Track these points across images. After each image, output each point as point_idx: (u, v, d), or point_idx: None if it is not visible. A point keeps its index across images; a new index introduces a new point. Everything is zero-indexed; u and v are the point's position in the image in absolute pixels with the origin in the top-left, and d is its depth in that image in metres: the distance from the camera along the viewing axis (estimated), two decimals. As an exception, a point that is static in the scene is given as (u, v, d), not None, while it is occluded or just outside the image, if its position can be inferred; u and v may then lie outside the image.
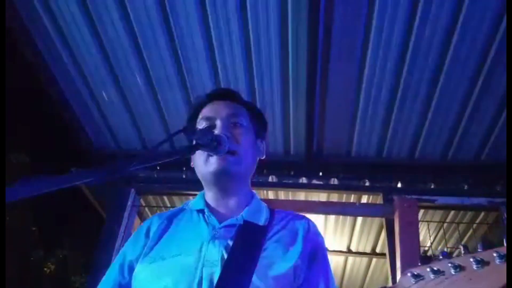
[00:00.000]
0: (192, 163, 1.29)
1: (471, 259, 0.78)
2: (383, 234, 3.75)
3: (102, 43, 3.04)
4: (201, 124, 1.25)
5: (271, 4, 2.72)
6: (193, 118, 1.32)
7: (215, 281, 1.01)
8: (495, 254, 0.76)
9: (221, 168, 1.15)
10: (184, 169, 3.55)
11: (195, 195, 1.31)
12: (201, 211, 1.21)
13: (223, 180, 1.19)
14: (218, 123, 1.22)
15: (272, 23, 2.81)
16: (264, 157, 1.34)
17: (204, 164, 1.18)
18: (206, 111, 1.28)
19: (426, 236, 4.05)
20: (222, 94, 1.36)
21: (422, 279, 0.83)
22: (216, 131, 1.17)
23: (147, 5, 2.79)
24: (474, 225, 3.95)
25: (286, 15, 2.76)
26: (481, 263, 0.77)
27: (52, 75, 3.25)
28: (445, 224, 4.01)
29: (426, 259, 0.84)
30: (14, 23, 2.92)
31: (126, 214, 3.55)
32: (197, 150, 1.09)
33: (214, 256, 1.06)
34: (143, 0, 2.77)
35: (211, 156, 1.15)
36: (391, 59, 2.94)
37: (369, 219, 4.27)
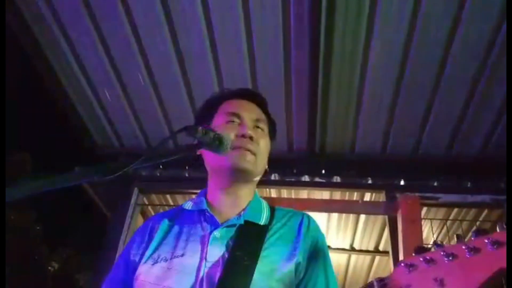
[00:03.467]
0: (198, 152, 1.24)
1: (464, 247, 0.78)
2: (386, 232, 3.75)
3: (105, 42, 3.04)
4: (224, 118, 1.25)
5: (273, 3, 2.71)
6: (212, 107, 1.31)
7: (216, 281, 1.01)
8: (486, 241, 0.76)
9: (239, 164, 1.16)
10: (187, 167, 3.55)
11: (198, 193, 1.31)
12: (202, 211, 1.20)
13: (237, 176, 1.19)
14: (245, 122, 1.23)
15: (274, 21, 2.81)
16: (267, 168, 1.33)
17: (222, 157, 1.15)
18: (232, 106, 1.28)
19: (429, 234, 4.05)
20: (252, 96, 1.36)
21: (416, 269, 0.83)
22: (241, 130, 1.18)
23: (150, 3, 2.79)
24: (478, 223, 3.94)
25: (288, 12, 2.76)
26: (473, 250, 0.77)
27: (55, 74, 3.26)
28: (448, 222, 4.00)
29: (421, 250, 0.84)
30: (16, 21, 2.93)
31: (129, 213, 3.56)
32: (199, 149, 1.09)
33: (215, 256, 1.07)
34: (145, -2, 2.78)
35: (233, 150, 1.14)
36: (394, 56, 2.93)
37: (372, 216, 4.26)
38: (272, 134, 1.37)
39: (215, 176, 1.25)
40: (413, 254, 0.85)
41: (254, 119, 1.26)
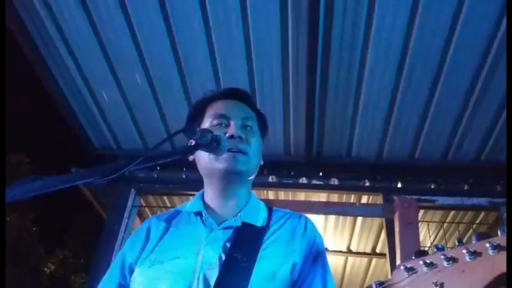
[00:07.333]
0: (191, 158, 1.25)
1: (464, 251, 0.77)
2: (383, 234, 3.75)
3: (102, 43, 3.04)
4: (211, 121, 1.23)
5: (271, 4, 2.72)
6: (199, 111, 1.30)
7: (213, 283, 1.01)
8: (487, 245, 0.75)
9: (232, 166, 1.14)
10: (184, 169, 3.54)
11: (195, 195, 1.31)
12: (198, 213, 1.20)
13: (230, 178, 1.18)
14: (233, 122, 1.21)
15: (272, 23, 2.81)
16: (262, 163, 1.32)
17: (214, 160, 1.16)
18: (219, 108, 1.26)
19: (426, 236, 4.06)
20: (237, 94, 1.33)
21: (415, 272, 0.82)
22: (230, 131, 1.17)
23: (148, 5, 2.79)
24: (474, 225, 3.95)
25: (286, 15, 2.76)
26: (474, 254, 0.76)
27: (52, 76, 3.25)
28: (445, 224, 4.01)
29: (421, 253, 0.83)
30: (14, 23, 2.92)
31: (126, 214, 3.55)
32: (196, 150, 1.09)
33: (212, 258, 1.06)
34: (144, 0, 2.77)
35: (223, 153, 1.13)
36: (391, 60, 2.94)
37: (369, 219, 4.27)
38: (263, 129, 1.35)
39: (209, 179, 1.23)
40: (413, 257, 0.84)
41: (242, 118, 1.24)
